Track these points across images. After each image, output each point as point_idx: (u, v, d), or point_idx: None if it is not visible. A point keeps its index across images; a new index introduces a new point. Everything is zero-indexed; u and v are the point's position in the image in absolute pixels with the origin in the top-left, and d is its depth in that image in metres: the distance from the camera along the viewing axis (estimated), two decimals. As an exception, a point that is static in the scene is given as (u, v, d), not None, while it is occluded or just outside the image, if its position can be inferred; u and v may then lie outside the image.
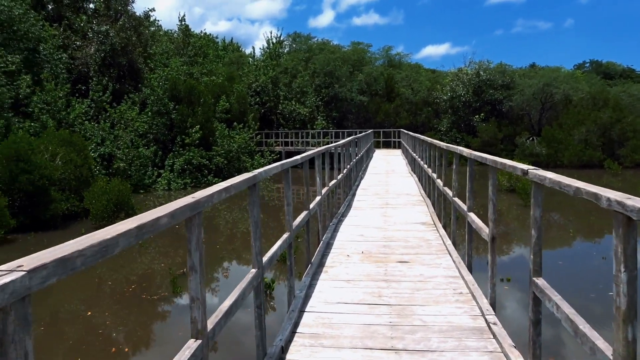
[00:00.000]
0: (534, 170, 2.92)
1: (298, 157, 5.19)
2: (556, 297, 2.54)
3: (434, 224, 7.74)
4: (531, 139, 32.49)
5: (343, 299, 4.44)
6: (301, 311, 4.13)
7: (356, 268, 5.41)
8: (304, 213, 5.36)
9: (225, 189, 2.52)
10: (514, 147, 33.94)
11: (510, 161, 3.49)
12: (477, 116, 35.58)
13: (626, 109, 32.11)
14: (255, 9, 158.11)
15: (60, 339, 7.16)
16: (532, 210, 2.94)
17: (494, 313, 3.88)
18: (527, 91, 35.69)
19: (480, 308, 4.03)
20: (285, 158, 33.39)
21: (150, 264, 11.46)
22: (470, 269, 5.14)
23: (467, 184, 5.22)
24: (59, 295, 9.07)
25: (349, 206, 9.66)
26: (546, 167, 26.37)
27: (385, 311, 4.13)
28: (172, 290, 8.81)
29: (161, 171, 24.71)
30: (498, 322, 3.66)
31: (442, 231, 7.07)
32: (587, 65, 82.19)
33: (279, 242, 3.97)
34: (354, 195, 11.23)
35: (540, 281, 2.81)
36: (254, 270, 3.12)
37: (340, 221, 8.10)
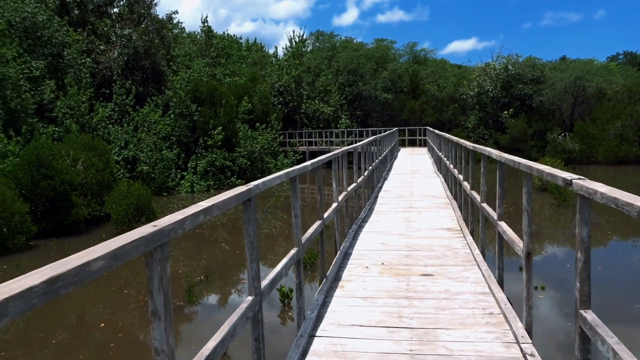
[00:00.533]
0: (580, 181, 2.43)
1: (308, 163, 4.77)
2: (612, 340, 2.05)
3: (461, 229, 7.22)
4: (563, 134, 31.31)
5: (359, 321, 4.00)
6: (311, 336, 3.71)
7: (375, 282, 4.96)
8: (317, 223, 4.94)
9: (205, 210, 2.11)
10: (545, 143, 32.79)
11: (549, 167, 2.99)
12: (505, 112, 34.51)
13: (664, 101, 30.63)
14: (280, 9, 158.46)
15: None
16: (577, 228, 2.45)
17: (530, 341, 3.38)
18: (558, 85, 34.43)
19: (514, 334, 3.54)
20: (310, 158, 33.12)
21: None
22: (501, 284, 4.63)
23: (497, 189, 4.71)
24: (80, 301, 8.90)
25: (370, 210, 9.20)
26: (579, 164, 25.12)
27: (405, 336, 3.67)
28: (187, 299, 8.52)
29: (184, 173, 24.65)
30: (536, 354, 3.17)
31: (470, 238, 6.55)
32: (621, 56, 79.34)
33: (284, 261, 3.56)
34: (376, 198, 10.75)
35: (590, 315, 2.32)
36: (249, 298, 2.71)
37: (360, 227, 7.65)
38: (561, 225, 15.00)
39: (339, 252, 6.04)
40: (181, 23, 39.41)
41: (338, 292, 4.70)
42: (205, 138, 25.33)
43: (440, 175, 14.23)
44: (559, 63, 41.16)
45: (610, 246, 12.71)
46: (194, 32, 38.82)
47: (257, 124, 28.84)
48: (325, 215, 5.34)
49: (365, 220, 8.23)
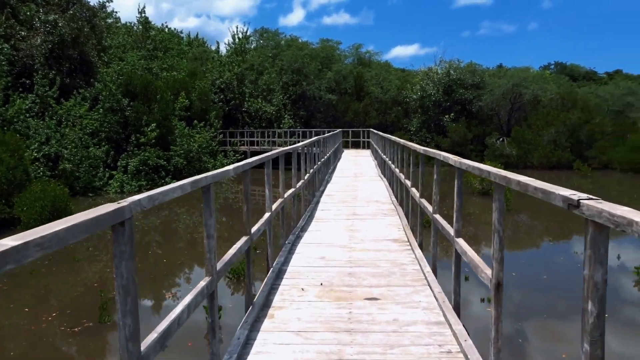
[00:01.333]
0: (591, 202, 1.73)
1: (230, 167, 3.92)
2: None
3: (408, 241, 6.58)
4: (501, 139, 31.97)
5: (289, 365, 3.20)
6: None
7: (312, 309, 4.17)
8: (243, 240, 4.08)
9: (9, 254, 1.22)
10: (484, 148, 33.42)
11: (540, 182, 2.28)
12: (447, 116, 34.90)
13: (594, 110, 31.94)
14: (225, 6, 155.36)
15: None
16: (587, 268, 1.75)
17: (502, 397, 2.70)
18: (496, 91, 35.23)
19: (480, 384, 2.85)
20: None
21: (96, 276, 9.94)
22: (458, 312, 3.96)
23: (455, 201, 4.05)
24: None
25: (310, 217, 8.43)
26: (516, 169, 25.58)
27: (347, 388, 2.90)
28: (98, 318, 7.40)
29: (114, 173, 22.96)
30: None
31: (419, 252, 5.90)
32: (552, 67, 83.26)
33: (187, 299, 2.68)
34: (317, 203, 10.00)
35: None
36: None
37: (298, 238, 6.84)
38: (505, 234, 14.90)
39: (270, 270, 5.21)
40: (116, 12, 37.16)
41: (266, 324, 3.87)
42: (138, 135, 23.72)
43: (385, 179, 13.70)
44: (496, 70, 42.25)
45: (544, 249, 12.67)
46: (130, 23, 36.72)
47: (195, 121, 27.47)
48: (255, 228, 4.50)
49: (304, 229, 7.44)
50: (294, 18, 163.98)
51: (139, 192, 22.27)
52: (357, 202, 10.11)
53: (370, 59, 46.03)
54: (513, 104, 36.03)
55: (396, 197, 10.29)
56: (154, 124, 23.67)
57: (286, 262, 5.58)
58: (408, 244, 6.47)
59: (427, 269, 5.11)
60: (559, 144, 30.19)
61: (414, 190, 7.10)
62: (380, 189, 12.01)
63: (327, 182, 13.70)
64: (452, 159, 4.21)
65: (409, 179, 8.05)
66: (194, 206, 19.84)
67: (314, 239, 6.85)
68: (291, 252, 6.04)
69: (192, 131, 26.72)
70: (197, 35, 52.23)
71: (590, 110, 31.25)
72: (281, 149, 7.16)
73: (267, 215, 5.11)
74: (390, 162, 12.42)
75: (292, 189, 7.37)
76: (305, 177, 8.96)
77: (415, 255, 5.82)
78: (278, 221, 6.41)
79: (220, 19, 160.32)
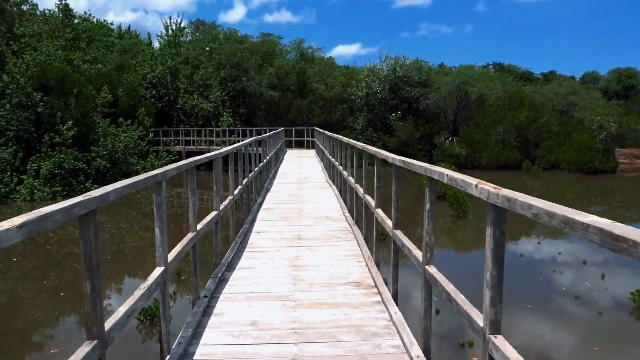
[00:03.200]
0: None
1: (124, 182, 1.94)
2: None
3: (375, 285, 4.76)
4: (450, 139, 31.09)
5: None
6: None
7: None
8: (140, 292, 2.08)
9: None
10: (431, 147, 32.49)
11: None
12: (394, 114, 33.71)
13: (540, 109, 31.72)
14: (163, 1, 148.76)
15: None
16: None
17: None
18: (443, 89, 34.42)
19: None
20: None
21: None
22: None
23: (426, 222, 2.30)
24: None
25: (242, 245, 6.46)
26: (465, 169, 24.44)
27: None
28: None
29: (23, 177, 19.94)
30: None
31: (394, 308, 4.08)
32: (491, 67, 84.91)
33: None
34: (253, 220, 8.03)
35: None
36: None
37: (222, 283, 4.87)
38: (459, 240, 13.48)
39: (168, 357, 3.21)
40: (31, -1, 33.26)
41: None
42: (52, 134, 20.75)
43: (334, 186, 11.90)
44: (441, 68, 41.61)
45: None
46: (50, 11, 33.00)
47: (121, 119, 24.65)
48: (151, 279, 2.50)
49: (231, 266, 5.47)
50: (235, 15, 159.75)
51: (53, 200, 19.50)
52: (303, 219, 8.22)
53: (313, 55, 44.30)
54: (459, 103, 35.38)
55: (350, 212, 8.49)
56: (71, 122, 20.78)
57: (194, 341, 3.57)
58: (375, 290, 4.65)
59: (416, 350, 3.27)
60: (507, 144, 29.63)
61: (379, 212, 5.29)
62: (330, 200, 10.18)
63: (267, 190, 11.73)
64: (433, 170, 2.44)
65: (368, 193, 6.26)
66: (120, 213, 17.34)
67: (244, 284, 4.89)
68: (206, 314, 4.05)
69: (118, 130, 23.91)
70: (129, 27, 48.69)
71: (537, 109, 30.96)
72: (199, 157, 5.16)
73: (157, 274, 3.10)
74: (340, 166, 10.61)
75: (214, 213, 5.36)
76: (236, 192, 6.96)
77: (390, 314, 3.99)
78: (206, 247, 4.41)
79: (158, 14, 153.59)
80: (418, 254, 3.54)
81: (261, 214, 8.66)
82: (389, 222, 4.65)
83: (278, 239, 6.82)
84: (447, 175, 2.86)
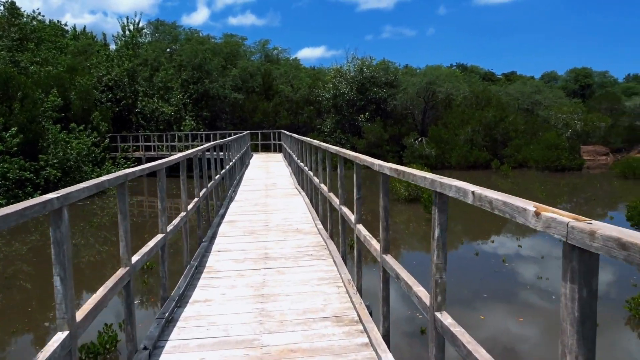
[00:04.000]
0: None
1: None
2: None
3: (360, 320, 3.85)
4: (419, 139, 30.61)
5: None
6: None
7: None
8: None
9: None
10: (400, 149, 31.98)
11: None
12: (362, 115, 33.04)
13: (507, 108, 31.62)
14: (123, 3, 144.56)
15: None
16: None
17: None
18: (410, 89, 33.98)
19: None
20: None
21: None
22: None
23: (435, 254, 1.44)
24: None
25: (199, 270, 5.46)
26: (435, 169, 24.00)
27: None
28: None
29: (-38, 189, 18.25)
30: None
31: (388, 357, 3.18)
32: (454, 68, 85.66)
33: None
34: (213, 237, 7.03)
35: None
36: None
37: (166, 330, 3.85)
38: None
39: None
40: (-25, -3, 31.07)
41: None
42: (-5, 142, 19.10)
43: (304, 193, 10.98)
44: (408, 69, 41.26)
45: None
46: (-6, 9, 30.88)
47: (73, 124, 23.06)
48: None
49: (182, 301, 4.46)
50: (198, 17, 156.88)
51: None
52: (270, 233, 7.26)
53: (279, 56, 43.28)
54: (427, 103, 35.02)
55: (323, 223, 7.59)
56: (15, 128, 19.18)
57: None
58: (361, 328, 3.75)
59: None
60: (475, 143, 29.35)
61: (360, 228, 4.40)
62: (300, 209, 9.25)
63: (230, 199, 10.70)
64: (424, 176, 1.56)
65: (349, 207, 5.37)
66: (74, 225, 15.95)
67: (197, 326, 3.90)
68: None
69: (70, 136, 22.32)
70: (84, 28, 46.62)
71: (504, 108, 30.83)
72: (151, 164, 4.18)
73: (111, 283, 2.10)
74: (310, 171, 9.70)
75: (157, 238, 4.35)
76: (191, 205, 5.95)
77: (383, 363, 3.09)
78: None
79: (118, 16, 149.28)
80: (423, 293, 2.66)
81: (223, 229, 7.65)
82: (375, 245, 3.77)
83: (242, 259, 5.84)
84: (474, 193, 1.98)
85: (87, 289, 8.84)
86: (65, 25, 44.23)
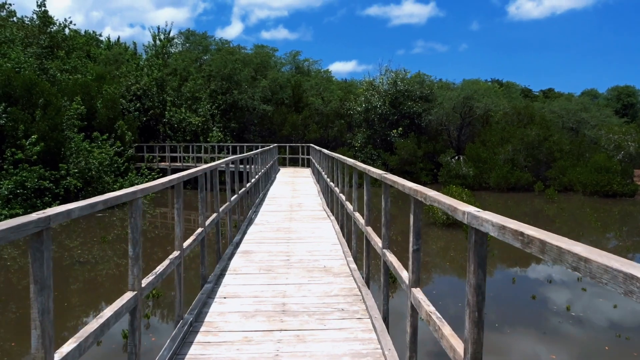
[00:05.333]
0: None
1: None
2: None
3: None
4: (457, 157, 28.94)
5: None
6: None
7: None
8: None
9: None
10: (434, 167, 30.38)
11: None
12: (394, 131, 31.62)
13: (552, 126, 29.69)
14: (160, 17, 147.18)
15: None
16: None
17: None
18: (446, 104, 32.41)
19: None
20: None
21: None
22: None
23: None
24: None
25: (194, 328, 4.16)
26: (472, 191, 22.08)
27: None
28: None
29: (-20, 198, 17.60)
30: None
31: None
32: (489, 84, 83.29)
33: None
34: (222, 275, 5.75)
35: None
36: None
37: None
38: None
39: None
40: (10, 5, 31.18)
41: None
42: (14, 149, 18.46)
43: (333, 217, 9.64)
44: (444, 83, 39.67)
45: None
46: (27, 17, 30.92)
47: (96, 133, 22.38)
48: None
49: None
50: (232, 31, 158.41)
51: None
52: (292, 271, 5.94)
53: (310, 68, 42.33)
54: (464, 119, 33.36)
55: (356, 260, 6.24)
56: (35, 136, 18.51)
57: None
58: None
59: None
60: (517, 164, 27.51)
61: (417, 293, 3.02)
62: (329, 238, 7.91)
63: (250, 221, 9.45)
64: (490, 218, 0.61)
65: (398, 256, 4.00)
66: (93, 237, 15.05)
67: None
68: None
69: (92, 145, 21.63)
70: (118, 39, 46.74)
71: (549, 126, 28.89)
72: (183, 173, 2.97)
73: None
74: (342, 196, 8.36)
75: (163, 265, 3.08)
76: (186, 245, 4.67)
77: None
78: None
79: (155, 30, 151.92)
80: None
81: (236, 262, 6.36)
82: (449, 332, 2.39)
83: (252, 312, 4.52)
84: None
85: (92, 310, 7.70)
86: (100, 35, 44.47)
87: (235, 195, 8.37)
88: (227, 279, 5.61)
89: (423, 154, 30.53)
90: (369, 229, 5.05)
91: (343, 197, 7.90)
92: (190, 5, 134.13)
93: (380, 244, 4.31)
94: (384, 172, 4.26)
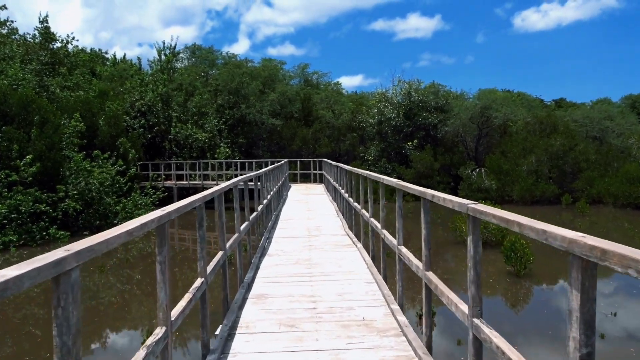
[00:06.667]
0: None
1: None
2: None
3: None
4: (477, 170, 27.45)
5: None
6: None
7: None
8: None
9: None
10: (451, 180, 28.91)
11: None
12: (409, 143, 30.24)
13: (577, 135, 28.18)
14: (168, 36, 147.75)
15: None
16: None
17: None
18: (463, 114, 31.00)
19: None
20: (178, 196, 25.75)
21: None
22: None
23: None
24: None
25: None
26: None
27: None
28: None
29: (-29, 223, 16.41)
30: None
31: None
32: (507, 93, 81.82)
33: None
34: (229, 338, 4.35)
35: None
36: None
37: None
38: (525, 313, 9.59)
39: None
40: (12, 22, 30.38)
41: None
42: (8, 171, 17.28)
43: (360, 245, 8.24)
44: (460, 93, 38.33)
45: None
46: (29, 34, 30.04)
47: (97, 151, 21.21)
48: None
49: None
50: (239, 48, 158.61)
51: (4, 251, 15.90)
52: (321, 327, 4.52)
53: (319, 81, 41.19)
54: (481, 130, 31.92)
55: (401, 307, 4.83)
56: (30, 157, 17.34)
57: None
58: None
59: None
60: (541, 175, 25.97)
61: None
62: (360, 274, 6.49)
63: (263, 250, 8.07)
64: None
65: (440, 283, 2.59)
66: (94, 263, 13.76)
67: None
68: None
69: (93, 164, 20.43)
70: (124, 56, 45.95)
71: (573, 136, 27.37)
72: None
73: None
74: (377, 223, 6.97)
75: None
76: (174, 314, 3.29)
77: None
78: None
79: (160, 45, 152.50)
80: None
81: (248, 314, 4.97)
82: None
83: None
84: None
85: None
86: (106, 53, 43.70)
87: (246, 223, 7.00)
88: (237, 343, 4.21)
89: (440, 167, 29.11)
90: (433, 277, 3.65)
91: (377, 224, 6.50)
92: (198, 24, 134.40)
93: (465, 310, 2.89)
94: (470, 201, 2.89)
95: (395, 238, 4.93)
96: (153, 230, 2.70)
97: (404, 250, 4.75)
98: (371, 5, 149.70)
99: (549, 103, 79.59)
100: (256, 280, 6.30)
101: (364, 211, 7.38)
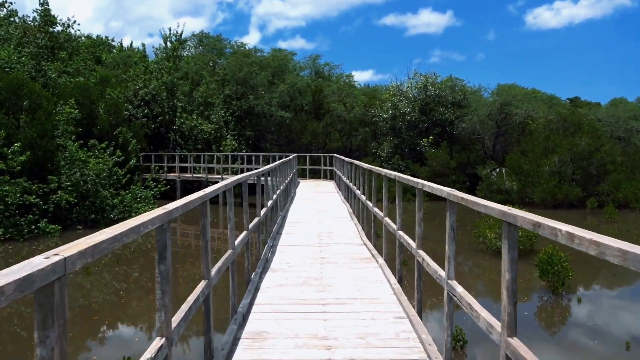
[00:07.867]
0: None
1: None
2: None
3: None
4: (497, 169, 25.95)
5: None
6: None
7: None
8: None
9: None
10: (467, 179, 27.47)
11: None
12: (424, 140, 28.78)
13: (602, 135, 26.60)
14: (179, 27, 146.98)
15: None
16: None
17: None
18: (481, 111, 29.47)
19: None
20: (181, 189, 24.34)
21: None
22: None
23: None
24: None
25: None
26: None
27: None
28: None
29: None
30: None
31: None
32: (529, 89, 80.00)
33: None
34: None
35: None
36: None
37: None
38: (570, 341, 8.15)
39: None
40: (10, 3, 29.18)
41: None
42: (-5, 160, 16.09)
43: (382, 260, 6.87)
44: (478, 88, 36.74)
45: None
46: (28, 17, 28.83)
47: (93, 141, 19.95)
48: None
49: None
50: (249, 40, 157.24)
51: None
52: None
53: (330, 73, 39.71)
54: (500, 127, 30.38)
55: (437, 344, 3.45)
56: (18, 144, 16.10)
57: None
58: None
59: None
60: (564, 177, 24.43)
61: None
62: (385, 302, 5.14)
63: (266, 264, 6.73)
64: None
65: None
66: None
67: None
68: None
69: (89, 154, 19.18)
70: (131, 44, 44.80)
71: (599, 135, 25.78)
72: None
73: None
74: (411, 242, 5.60)
75: None
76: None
77: None
78: None
79: (175, 39, 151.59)
80: None
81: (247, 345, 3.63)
82: None
83: None
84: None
85: None
86: (112, 40, 42.49)
87: (245, 233, 5.65)
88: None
89: (456, 165, 27.66)
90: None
91: (411, 242, 5.12)
92: (209, 15, 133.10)
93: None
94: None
95: (444, 270, 3.55)
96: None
97: (460, 289, 3.38)
98: (382, 0, 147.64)
99: (563, 102, 77.63)
100: (254, 308, 4.95)
101: (390, 222, 6.03)
